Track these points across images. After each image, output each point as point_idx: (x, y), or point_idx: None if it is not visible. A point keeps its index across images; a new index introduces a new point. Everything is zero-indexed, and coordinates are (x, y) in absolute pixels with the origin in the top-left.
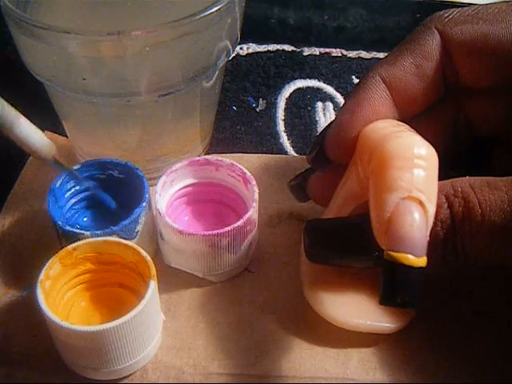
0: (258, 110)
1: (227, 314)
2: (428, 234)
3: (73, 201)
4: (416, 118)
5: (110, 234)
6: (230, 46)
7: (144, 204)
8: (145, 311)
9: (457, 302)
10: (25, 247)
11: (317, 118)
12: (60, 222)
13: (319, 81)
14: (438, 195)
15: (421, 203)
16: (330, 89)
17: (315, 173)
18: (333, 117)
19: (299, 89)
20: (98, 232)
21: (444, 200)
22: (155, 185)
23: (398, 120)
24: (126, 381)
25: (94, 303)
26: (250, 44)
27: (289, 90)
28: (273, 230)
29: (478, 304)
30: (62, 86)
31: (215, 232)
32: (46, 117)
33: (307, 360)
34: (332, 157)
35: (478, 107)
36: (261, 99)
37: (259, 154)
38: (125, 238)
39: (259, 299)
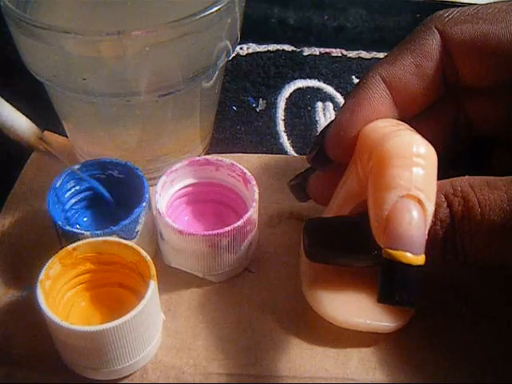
0: (257, 110)
1: (227, 314)
2: (426, 232)
3: (73, 201)
4: (416, 117)
5: (110, 234)
6: (230, 46)
7: (144, 204)
8: (145, 311)
9: (457, 301)
10: (25, 247)
11: (317, 118)
12: (60, 222)
13: (319, 81)
14: (437, 194)
15: (419, 201)
16: (329, 89)
17: (315, 172)
18: (333, 117)
19: (299, 89)
20: (98, 232)
21: (443, 199)
22: (155, 185)
23: (398, 119)
24: (125, 381)
25: (94, 303)
26: (250, 44)
27: (289, 89)
28: (273, 229)
29: (477, 304)
30: (62, 86)
31: (215, 232)
32: (46, 117)
33: (307, 360)
34: (332, 156)
35: (478, 107)
36: (261, 99)
37: (259, 154)
38: (125, 238)
39: (259, 299)
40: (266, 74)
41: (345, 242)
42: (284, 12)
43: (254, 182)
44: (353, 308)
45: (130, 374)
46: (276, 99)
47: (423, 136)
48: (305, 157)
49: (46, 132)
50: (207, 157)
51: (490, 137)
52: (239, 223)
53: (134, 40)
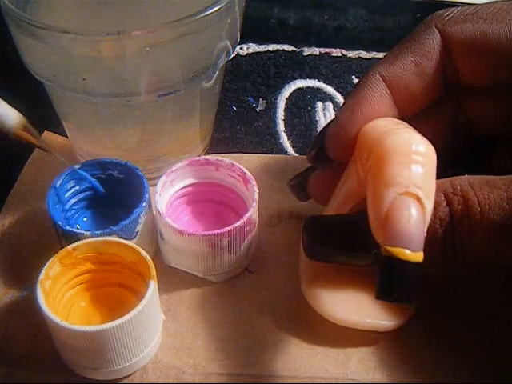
0: (258, 110)
1: (227, 314)
2: (425, 229)
3: (73, 201)
4: (416, 116)
5: (110, 234)
6: (230, 46)
7: (144, 204)
8: (145, 311)
9: (456, 300)
10: (25, 247)
11: (317, 118)
12: (60, 222)
13: (319, 81)
14: (436, 193)
15: (418, 199)
16: (329, 89)
17: (315, 172)
18: (333, 117)
19: (299, 89)
20: (98, 232)
21: (443, 198)
22: (155, 185)
23: (398, 119)
24: (125, 381)
25: (94, 303)
26: (250, 44)
27: (289, 90)
28: (273, 229)
29: (477, 303)
30: (62, 86)
31: (215, 232)
32: (46, 117)
33: (307, 360)
34: (332, 155)
35: (478, 106)
36: (261, 99)
37: (259, 154)
38: (125, 238)
39: (259, 299)
40: (266, 74)
41: (344, 240)
42: (284, 12)
43: (253, 182)
44: (352, 306)
45: (130, 374)
46: (276, 99)
47: (423, 135)
48: (305, 157)
49: (46, 132)
50: (207, 157)
51: (490, 137)
52: (239, 223)
53: (133, 40)
